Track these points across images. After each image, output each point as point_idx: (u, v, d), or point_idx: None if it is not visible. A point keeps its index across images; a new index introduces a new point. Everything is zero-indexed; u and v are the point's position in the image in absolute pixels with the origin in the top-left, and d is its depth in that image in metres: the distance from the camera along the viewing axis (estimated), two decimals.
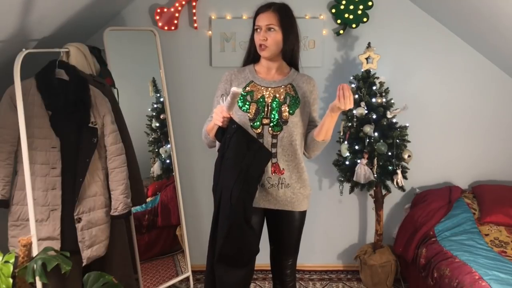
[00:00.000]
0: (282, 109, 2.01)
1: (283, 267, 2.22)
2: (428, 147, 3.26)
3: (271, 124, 2.00)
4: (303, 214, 2.13)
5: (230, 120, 1.89)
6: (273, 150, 2.01)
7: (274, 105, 2.02)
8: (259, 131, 2.01)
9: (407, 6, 3.15)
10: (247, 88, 2.05)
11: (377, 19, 3.13)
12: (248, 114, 2.01)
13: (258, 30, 2.00)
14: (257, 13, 2.02)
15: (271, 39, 1.98)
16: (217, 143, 2.04)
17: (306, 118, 2.07)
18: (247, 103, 2.03)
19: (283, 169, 2.02)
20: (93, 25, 3.00)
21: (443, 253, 2.61)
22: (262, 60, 2.08)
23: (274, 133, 2.00)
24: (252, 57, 2.12)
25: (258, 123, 2.01)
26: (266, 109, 2.02)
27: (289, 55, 2.07)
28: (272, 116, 2.01)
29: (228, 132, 1.90)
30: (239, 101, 2.02)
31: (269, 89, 2.04)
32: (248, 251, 1.98)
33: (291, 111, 2.02)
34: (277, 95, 2.03)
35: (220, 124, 1.88)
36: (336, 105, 1.84)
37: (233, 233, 1.89)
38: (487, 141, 3.28)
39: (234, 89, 1.77)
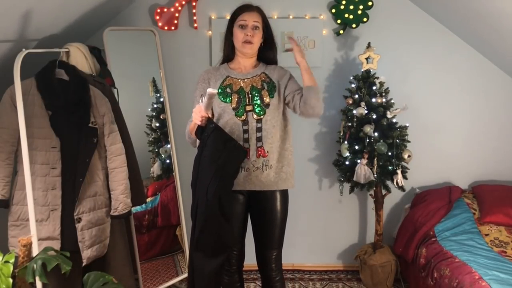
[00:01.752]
0: (263, 93, 2.11)
1: (267, 260, 2.20)
2: (428, 147, 3.26)
3: (254, 109, 2.10)
4: (285, 193, 2.18)
5: (208, 120, 1.97)
6: (258, 134, 2.09)
7: (254, 92, 2.12)
8: (244, 118, 2.09)
9: (407, 6, 3.15)
10: (225, 82, 2.15)
11: (377, 19, 3.12)
12: (231, 104, 2.10)
13: (244, 27, 2.10)
14: (241, 11, 2.13)
15: (256, 37, 2.12)
16: (197, 141, 2.11)
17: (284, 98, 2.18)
18: (228, 95, 2.11)
19: (267, 151, 2.10)
20: (93, 25, 3.00)
21: (443, 253, 2.61)
22: (238, 58, 2.20)
23: (258, 118, 2.10)
24: (228, 55, 2.23)
25: (241, 111, 2.10)
26: (247, 97, 2.11)
27: (270, 54, 2.21)
28: (255, 102, 2.10)
29: (206, 131, 1.97)
30: (220, 95, 2.11)
31: (245, 80, 2.15)
32: (222, 244, 2.05)
33: (271, 95, 2.12)
34: (254, 84, 2.14)
35: (199, 123, 1.97)
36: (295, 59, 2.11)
37: (209, 226, 1.97)
38: (487, 141, 3.28)
39: (209, 90, 1.86)
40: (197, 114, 1.95)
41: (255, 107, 2.09)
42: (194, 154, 3.28)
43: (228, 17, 3.08)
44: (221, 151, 1.93)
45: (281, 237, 2.20)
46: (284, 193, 2.18)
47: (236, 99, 2.10)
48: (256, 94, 2.10)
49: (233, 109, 2.09)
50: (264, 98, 2.10)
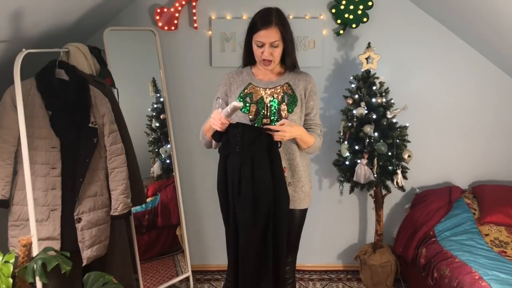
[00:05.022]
0: (281, 108, 2.03)
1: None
2: (428, 147, 3.26)
3: (271, 124, 2.03)
4: (303, 212, 2.16)
5: (230, 125, 1.94)
6: None
7: (273, 105, 2.04)
8: None
9: (407, 6, 3.15)
10: (246, 90, 2.09)
11: (377, 19, 3.12)
12: (249, 115, 2.04)
13: (261, 46, 1.99)
14: (259, 28, 1.98)
15: (276, 53, 2.02)
16: (213, 143, 2.08)
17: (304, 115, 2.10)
18: (247, 104, 2.06)
19: (284, 167, 2.04)
20: (93, 25, 3.00)
21: (443, 253, 2.61)
22: (259, 65, 2.10)
23: None
24: (249, 60, 2.14)
25: (258, 123, 2.03)
26: (265, 110, 2.04)
27: (289, 60, 2.09)
28: (272, 115, 2.03)
29: (235, 133, 1.93)
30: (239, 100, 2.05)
31: (267, 90, 2.07)
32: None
33: (290, 110, 2.04)
34: (275, 95, 2.06)
35: (218, 129, 1.93)
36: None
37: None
38: (487, 141, 3.28)
39: (235, 103, 1.84)
40: (217, 120, 1.91)
41: (272, 121, 2.03)
42: (194, 154, 3.31)
43: (228, 17, 3.13)
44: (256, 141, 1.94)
45: (297, 242, 2.23)
46: (302, 212, 2.15)
47: (255, 110, 2.04)
48: (275, 107, 2.03)
49: (250, 120, 2.04)
50: (282, 113, 2.03)
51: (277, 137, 1.92)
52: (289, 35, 2.03)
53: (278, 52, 2.01)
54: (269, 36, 1.97)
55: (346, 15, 3.07)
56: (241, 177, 1.93)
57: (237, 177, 1.94)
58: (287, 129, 1.92)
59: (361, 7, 3.05)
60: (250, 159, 1.92)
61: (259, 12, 2.03)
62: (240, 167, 1.93)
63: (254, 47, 2.02)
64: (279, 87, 2.08)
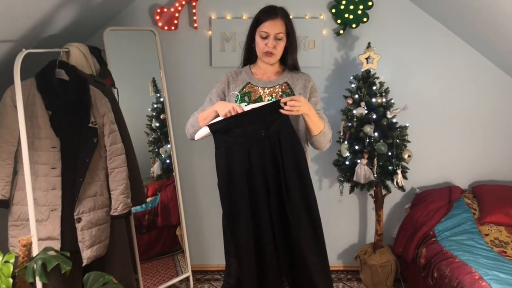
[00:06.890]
0: None
1: None
2: (428, 147, 3.26)
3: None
4: None
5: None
6: None
7: None
8: None
9: (407, 6, 3.15)
10: (244, 90, 2.08)
11: (377, 19, 3.12)
12: None
13: (265, 37, 1.99)
14: (264, 19, 1.99)
15: (279, 47, 2.01)
16: (200, 134, 2.01)
17: None
18: (245, 103, 2.04)
19: None
20: (93, 25, 3.00)
21: (443, 253, 2.61)
22: (260, 62, 2.10)
23: None
24: (250, 58, 2.14)
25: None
26: None
27: (290, 59, 2.08)
28: None
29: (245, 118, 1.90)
30: (238, 102, 2.03)
31: (266, 89, 2.07)
32: None
33: None
34: (274, 95, 2.06)
35: (229, 113, 1.87)
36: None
37: None
38: (487, 141, 3.28)
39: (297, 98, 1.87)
40: (234, 108, 1.87)
41: None
42: (194, 154, 3.31)
43: (228, 17, 3.13)
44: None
45: None
46: None
47: None
48: None
49: None
50: None
51: (287, 111, 1.85)
52: (293, 32, 2.04)
53: (281, 46, 2.01)
54: (274, 26, 1.97)
55: (346, 15, 3.07)
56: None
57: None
58: (302, 103, 1.86)
59: (361, 7, 3.05)
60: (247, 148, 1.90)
61: (264, 7, 2.05)
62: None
63: (258, 40, 2.02)
64: (277, 86, 2.07)
